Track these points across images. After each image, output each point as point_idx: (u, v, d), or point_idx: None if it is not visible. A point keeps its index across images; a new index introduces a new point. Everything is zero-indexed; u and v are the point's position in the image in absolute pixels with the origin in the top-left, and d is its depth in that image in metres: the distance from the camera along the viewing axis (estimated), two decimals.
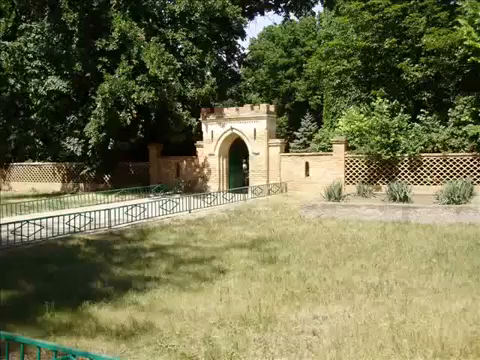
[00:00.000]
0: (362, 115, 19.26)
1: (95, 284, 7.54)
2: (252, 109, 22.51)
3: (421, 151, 18.55)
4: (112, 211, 13.44)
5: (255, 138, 22.22)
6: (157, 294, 6.90)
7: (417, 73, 19.05)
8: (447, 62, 18.88)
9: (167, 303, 6.51)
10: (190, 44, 23.30)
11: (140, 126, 22.42)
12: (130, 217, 14.10)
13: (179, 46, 24.17)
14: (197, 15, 23.36)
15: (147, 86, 20.94)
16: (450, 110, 18.58)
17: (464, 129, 17.80)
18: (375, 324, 5.54)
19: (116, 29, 21.13)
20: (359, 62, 21.25)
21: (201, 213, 15.61)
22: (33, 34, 23.89)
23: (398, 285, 7.06)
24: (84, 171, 25.58)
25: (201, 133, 23.93)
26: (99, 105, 21.08)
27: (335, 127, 21.99)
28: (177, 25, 24.15)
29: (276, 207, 16.24)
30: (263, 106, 22.50)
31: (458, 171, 17.98)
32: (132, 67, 21.08)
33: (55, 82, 23.45)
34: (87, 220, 12.82)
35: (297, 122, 29.28)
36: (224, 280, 7.58)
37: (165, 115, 22.62)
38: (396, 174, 19.02)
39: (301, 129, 24.39)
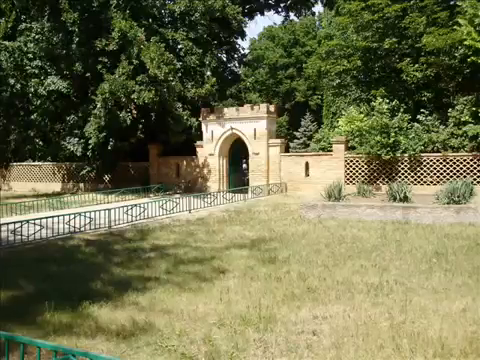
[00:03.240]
0: (362, 115, 19.27)
1: (95, 284, 7.54)
2: (252, 109, 22.50)
3: (421, 151, 18.56)
4: (112, 211, 13.43)
5: (255, 138, 22.22)
6: (157, 294, 6.89)
7: (417, 73, 19.06)
8: (447, 62, 18.88)
9: (167, 303, 6.51)
10: (190, 44, 23.31)
11: (140, 126, 22.45)
12: (130, 217, 14.10)
13: (179, 46, 24.17)
14: (197, 15, 23.39)
15: (147, 86, 20.95)
16: (450, 110, 18.58)
17: (464, 129, 17.80)
18: (375, 324, 5.54)
19: (116, 29, 21.14)
20: (359, 62, 21.25)
21: (201, 213, 15.61)
22: (33, 34, 23.89)
23: (398, 285, 7.06)
24: (84, 171, 25.60)
25: (201, 133, 23.93)
26: (99, 105, 21.11)
27: (335, 127, 22.01)
28: (177, 25, 24.19)
29: (276, 207, 16.24)
30: (263, 106, 22.49)
31: (458, 171, 17.99)
32: (132, 67, 21.09)
33: (55, 82, 23.47)
34: (87, 220, 12.82)
35: (297, 122, 29.32)
36: (224, 280, 7.58)
37: (165, 115, 22.62)
38: (396, 174, 19.02)
39: (301, 129, 24.45)
